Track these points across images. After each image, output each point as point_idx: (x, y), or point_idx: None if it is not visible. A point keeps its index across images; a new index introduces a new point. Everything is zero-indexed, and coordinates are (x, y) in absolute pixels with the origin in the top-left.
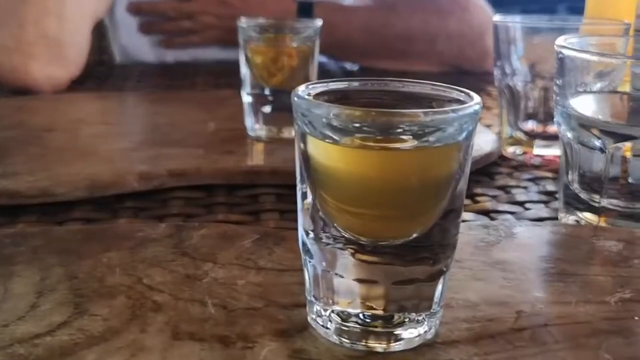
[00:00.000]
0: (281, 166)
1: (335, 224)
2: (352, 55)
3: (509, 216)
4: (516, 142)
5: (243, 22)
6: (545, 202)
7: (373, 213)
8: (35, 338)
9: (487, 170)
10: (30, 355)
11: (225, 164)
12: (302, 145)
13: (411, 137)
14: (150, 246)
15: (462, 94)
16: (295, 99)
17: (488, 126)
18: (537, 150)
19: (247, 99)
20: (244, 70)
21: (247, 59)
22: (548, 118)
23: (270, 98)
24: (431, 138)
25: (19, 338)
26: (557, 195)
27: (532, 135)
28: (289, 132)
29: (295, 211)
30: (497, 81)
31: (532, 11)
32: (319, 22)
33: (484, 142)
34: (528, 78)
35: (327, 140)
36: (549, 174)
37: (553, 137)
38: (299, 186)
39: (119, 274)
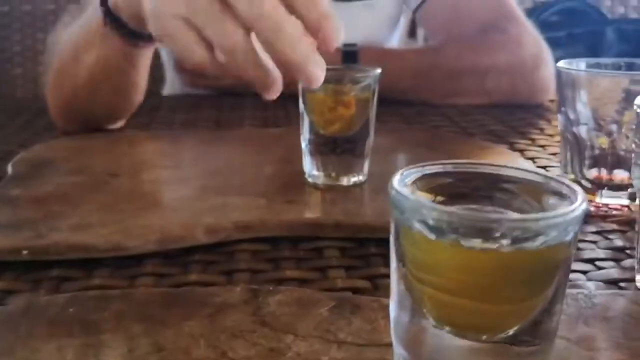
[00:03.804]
0: (343, 219)
1: (425, 311)
2: (399, 96)
3: (580, 275)
4: None
5: None
6: (616, 260)
7: (467, 307)
8: None
9: None
10: None
11: (287, 215)
12: (395, 229)
13: (511, 241)
14: (229, 313)
15: (564, 186)
16: (392, 192)
17: (544, 168)
18: (603, 200)
19: (305, 143)
20: (303, 114)
21: (305, 105)
22: (615, 166)
23: (329, 144)
24: (533, 243)
25: None
26: (634, 254)
27: (597, 184)
28: (348, 180)
29: (360, 268)
30: (561, 127)
31: (578, 34)
32: (378, 70)
33: None
34: (593, 125)
35: (421, 233)
36: (617, 227)
37: (620, 187)
38: (394, 265)
39: (203, 346)
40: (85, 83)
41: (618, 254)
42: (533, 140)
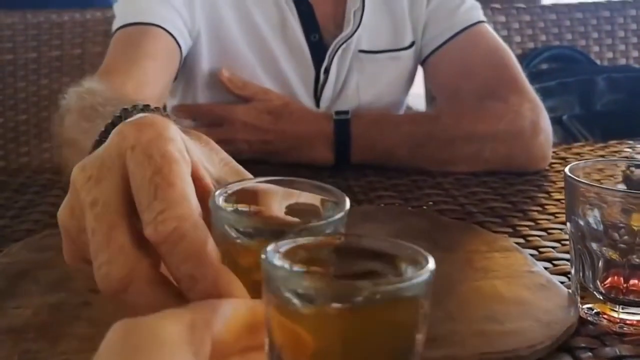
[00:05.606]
0: None
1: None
2: (394, 164)
3: None
4: (592, 300)
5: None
6: None
7: None
8: None
9: (567, 344)
10: None
11: None
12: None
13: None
14: None
15: (419, 255)
16: (262, 256)
17: (551, 261)
18: (620, 315)
19: None
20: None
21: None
22: (631, 276)
23: None
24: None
25: None
26: None
27: (612, 298)
28: None
29: None
30: (571, 236)
31: (569, 83)
32: (340, 214)
33: (558, 307)
34: (604, 240)
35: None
36: (636, 350)
37: (636, 302)
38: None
39: None
40: None
41: None
42: (535, 221)
